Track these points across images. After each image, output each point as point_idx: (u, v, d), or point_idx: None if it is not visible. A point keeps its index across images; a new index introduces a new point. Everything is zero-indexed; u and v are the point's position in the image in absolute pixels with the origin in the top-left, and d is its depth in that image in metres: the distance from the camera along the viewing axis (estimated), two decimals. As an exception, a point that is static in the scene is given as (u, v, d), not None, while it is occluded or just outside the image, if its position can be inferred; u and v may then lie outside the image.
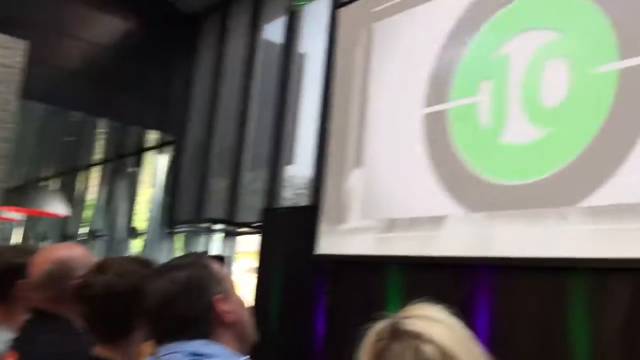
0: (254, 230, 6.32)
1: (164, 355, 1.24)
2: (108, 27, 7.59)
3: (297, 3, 6.55)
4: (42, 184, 11.74)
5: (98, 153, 10.19)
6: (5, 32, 5.57)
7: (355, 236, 4.60)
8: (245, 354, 1.30)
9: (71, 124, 10.49)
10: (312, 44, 6.38)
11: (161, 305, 1.26)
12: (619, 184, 3.16)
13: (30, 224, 11.86)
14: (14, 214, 10.49)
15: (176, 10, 7.92)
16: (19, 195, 9.32)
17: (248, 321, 1.35)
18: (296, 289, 5.08)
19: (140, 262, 1.59)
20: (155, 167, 8.44)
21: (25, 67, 5.60)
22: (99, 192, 9.74)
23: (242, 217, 6.75)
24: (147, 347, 1.44)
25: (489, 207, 3.76)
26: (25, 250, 1.98)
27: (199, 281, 1.29)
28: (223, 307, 1.28)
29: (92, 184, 10.21)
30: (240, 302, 1.35)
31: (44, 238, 10.95)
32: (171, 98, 7.93)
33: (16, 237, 12.17)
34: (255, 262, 5.71)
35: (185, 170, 7.83)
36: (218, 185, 7.35)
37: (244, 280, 6.11)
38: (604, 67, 3.34)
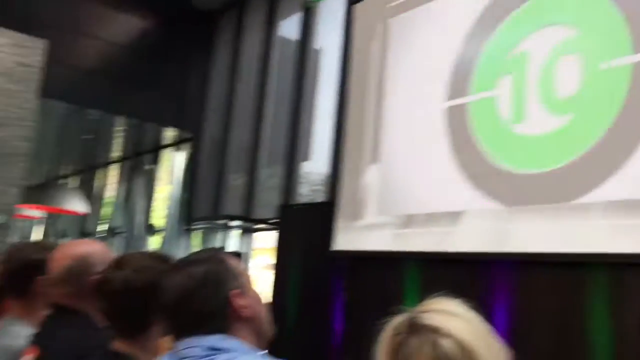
0: (271, 226, 6.33)
1: (182, 349, 1.25)
2: (125, 26, 7.63)
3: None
4: (61, 182, 11.85)
5: (116, 151, 10.25)
6: (23, 31, 5.61)
7: (372, 232, 4.59)
8: (263, 349, 1.30)
9: (89, 122, 10.56)
10: (328, 40, 6.36)
11: (179, 300, 1.27)
12: (636, 176, 3.15)
13: (50, 221, 11.98)
14: (35, 212, 10.60)
15: (192, 7, 7.94)
16: (39, 193, 9.39)
17: (265, 316, 1.35)
18: (313, 285, 5.08)
19: (158, 257, 1.60)
20: (173, 164, 8.48)
21: (44, 66, 5.64)
22: (118, 190, 9.80)
23: (259, 213, 6.76)
24: (165, 342, 1.44)
25: (507, 196, 3.77)
26: (44, 246, 1.99)
27: (216, 276, 1.29)
28: (240, 302, 1.28)
29: (111, 182, 10.28)
30: (257, 297, 1.35)
31: (63, 235, 11.04)
32: (188, 95, 7.95)
33: (36, 235, 12.28)
34: (272, 259, 5.72)
35: (203, 167, 7.86)
36: (235, 182, 7.37)
37: (261, 277, 6.12)
38: (618, 61, 3.36)
